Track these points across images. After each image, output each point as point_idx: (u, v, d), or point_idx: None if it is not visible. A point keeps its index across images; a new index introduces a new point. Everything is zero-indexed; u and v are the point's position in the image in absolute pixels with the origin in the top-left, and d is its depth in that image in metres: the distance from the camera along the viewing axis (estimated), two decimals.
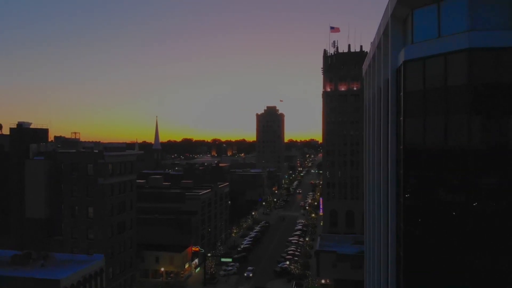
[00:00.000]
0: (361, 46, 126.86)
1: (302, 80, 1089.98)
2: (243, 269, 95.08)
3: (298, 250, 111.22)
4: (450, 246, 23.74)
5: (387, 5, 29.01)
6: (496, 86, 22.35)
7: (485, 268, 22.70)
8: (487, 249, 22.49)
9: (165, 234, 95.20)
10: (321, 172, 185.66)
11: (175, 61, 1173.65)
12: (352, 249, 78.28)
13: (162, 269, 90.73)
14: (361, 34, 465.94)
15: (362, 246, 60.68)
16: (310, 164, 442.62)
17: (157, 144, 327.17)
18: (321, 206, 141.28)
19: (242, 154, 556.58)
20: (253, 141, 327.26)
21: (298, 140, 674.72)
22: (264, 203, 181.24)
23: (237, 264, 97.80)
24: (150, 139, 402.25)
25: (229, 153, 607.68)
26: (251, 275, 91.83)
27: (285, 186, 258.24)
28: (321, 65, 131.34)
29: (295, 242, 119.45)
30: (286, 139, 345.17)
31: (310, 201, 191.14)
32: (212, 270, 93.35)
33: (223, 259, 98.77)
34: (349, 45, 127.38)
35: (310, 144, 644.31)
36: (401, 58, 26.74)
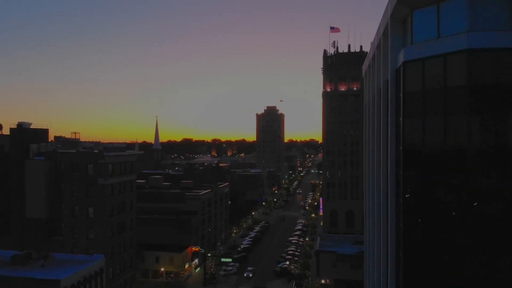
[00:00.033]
0: (361, 46, 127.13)
1: (302, 80, 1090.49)
2: (243, 269, 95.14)
3: (298, 250, 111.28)
4: (449, 246, 23.78)
5: (387, 6, 29.04)
6: (496, 87, 22.40)
7: (484, 268, 22.74)
8: (486, 249, 22.53)
9: (165, 234, 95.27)
10: (321, 172, 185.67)
11: (175, 61, 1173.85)
12: (352, 249, 78.33)
13: (162, 269, 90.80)
14: (361, 34, 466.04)
15: (362, 246, 60.71)
16: (310, 164, 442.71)
17: (157, 144, 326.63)
18: (321, 206, 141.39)
19: (242, 154, 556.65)
20: (253, 141, 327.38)
21: (298, 140, 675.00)
22: (264, 203, 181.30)
23: (237, 264, 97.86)
24: (150, 139, 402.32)
25: (229, 153, 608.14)
26: (251, 275, 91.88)
27: (285, 186, 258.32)
28: (321, 65, 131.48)
29: (295, 242, 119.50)
30: (286, 139, 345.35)
31: (310, 201, 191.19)
32: (212, 270, 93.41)
33: (223, 259, 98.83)
34: (349, 45, 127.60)
35: (310, 144, 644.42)
36: (401, 58, 26.76)
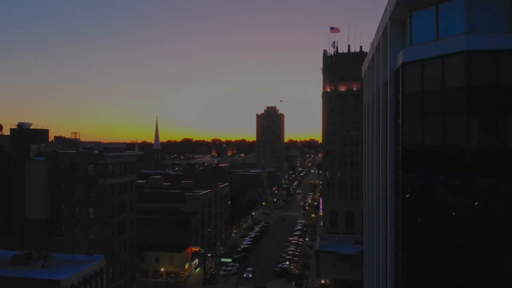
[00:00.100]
0: (360, 47, 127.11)
1: (302, 80, 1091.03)
2: (243, 269, 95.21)
3: (298, 250, 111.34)
4: (448, 247, 23.88)
5: (386, 7, 29.15)
6: (494, 88, 22.51)
7: (484, 268, 22.84)
8: (486, 249, 22.63)
9: (165, 234, 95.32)
10: (321, 172, 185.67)
11: (175, 61, 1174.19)
12: (351, 249, 78.37)
13: (162, 269, 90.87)
14: (361, 34, 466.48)
15: (361, 246, 60.75)
16: (310, 164, 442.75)
17: (157, 144, 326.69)
18: (321, 206, 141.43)
19: (242, 154, 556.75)
20: (253, 141, 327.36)
21: (298, 140, 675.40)
22: (264, 203, 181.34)
23: (237, 264, 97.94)
24: (150, 139, 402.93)
25: (229, 153, 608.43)
26: (250, 275, 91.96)
27: (285, 186, 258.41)
28: (321, 65, 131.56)
29: (294, 242, 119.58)
30: (286, 139, 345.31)
31: (310, 201, 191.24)
32: (212, 270, 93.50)
33: (223, 259, 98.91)
34: (348, 46, 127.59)
35: (310, 144, 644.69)
36: (400, 60, 26.87)
